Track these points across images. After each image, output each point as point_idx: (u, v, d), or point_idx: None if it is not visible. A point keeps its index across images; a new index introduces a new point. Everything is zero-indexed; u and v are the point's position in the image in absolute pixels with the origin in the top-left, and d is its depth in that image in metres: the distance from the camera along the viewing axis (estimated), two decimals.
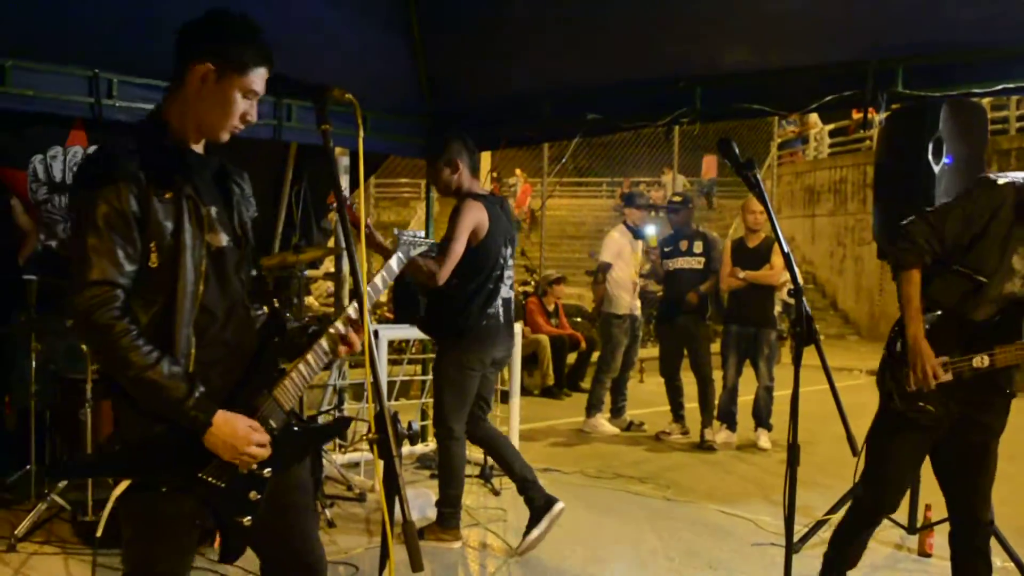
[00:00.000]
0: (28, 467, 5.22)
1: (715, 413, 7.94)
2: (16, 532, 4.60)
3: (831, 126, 20.77)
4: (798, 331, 2.82)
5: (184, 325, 2.26)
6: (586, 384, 10.22)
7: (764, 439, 7.73)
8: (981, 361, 3.38)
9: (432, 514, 5.25)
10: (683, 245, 8.06)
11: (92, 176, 2.21)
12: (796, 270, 2.90)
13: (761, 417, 7.77)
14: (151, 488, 2.25)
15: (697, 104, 5.46)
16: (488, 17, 5.86)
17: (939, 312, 3.51)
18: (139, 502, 2.31)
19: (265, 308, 2.63)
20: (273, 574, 2.64)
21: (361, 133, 2.33)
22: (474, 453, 6.58)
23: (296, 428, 2.45)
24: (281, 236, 7.25)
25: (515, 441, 6.35)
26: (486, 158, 14.05)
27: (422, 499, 5.49)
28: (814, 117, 20.53)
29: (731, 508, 5.78)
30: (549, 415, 9.42)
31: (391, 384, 6.83)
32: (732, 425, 7.91)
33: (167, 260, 2.24)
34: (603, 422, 8.52)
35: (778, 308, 14.18)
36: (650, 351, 11.47)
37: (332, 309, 7.17)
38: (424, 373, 7.24)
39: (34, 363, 5.28)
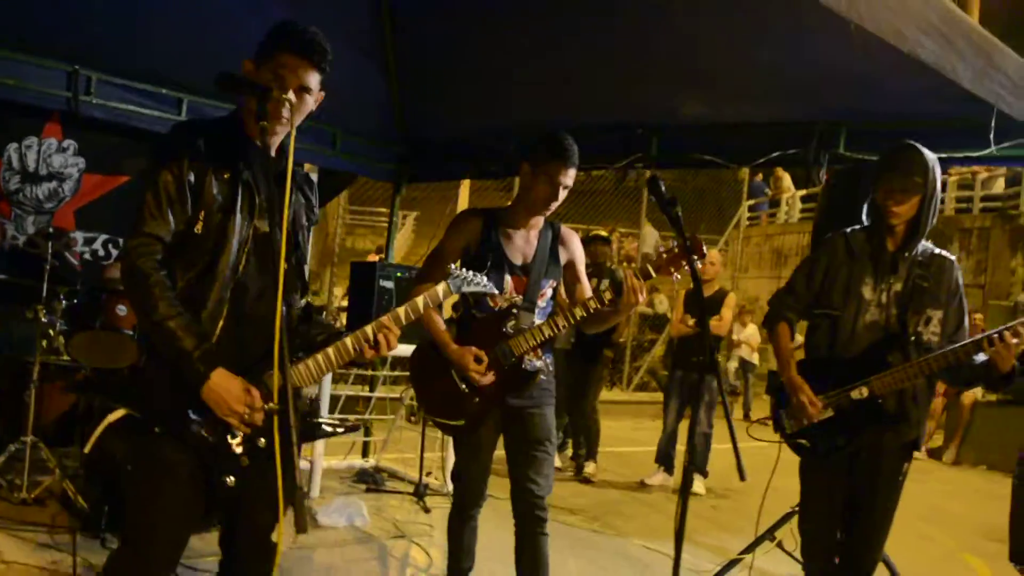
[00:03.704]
0: None
1: (655, 456, 8.10)
2: None
3: (802, 192, 21.15)
4: (700, 360, 3.01)
5: (220, 292, 2.53)
6: None
7: (699, 485, 7.87)
8: (860, 392, 3.59)
9: (360, 523, 5.40)
10: (592, 282, 8.17)
11: (164, 146, 2.56)
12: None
13: (697, 463, 7.93)
14: (148, 427, 2.49)
15: (653, 151, 5.70)
16: (460, 54, 6.05)
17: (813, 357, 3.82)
18: (141, 449, 2.54)
19: (303, 301, 2.86)
20: (232, 546, 2.80)
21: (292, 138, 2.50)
22: (410, 471, 6.75)
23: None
24: None
25: None
26: (464, 191, 14.25)
27: (352, 508, 5.63)
28: (787, 181, 20.94)
29: (653, 544, 5.94)
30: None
31: (335, 399, 6.94)
32: (670, 468, 8.06)
33: (212, 230, 2.52)
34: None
35: (734, 364, 14.42)
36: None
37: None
38: (371, 390, 7.39)
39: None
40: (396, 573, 4.90)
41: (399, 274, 6.41)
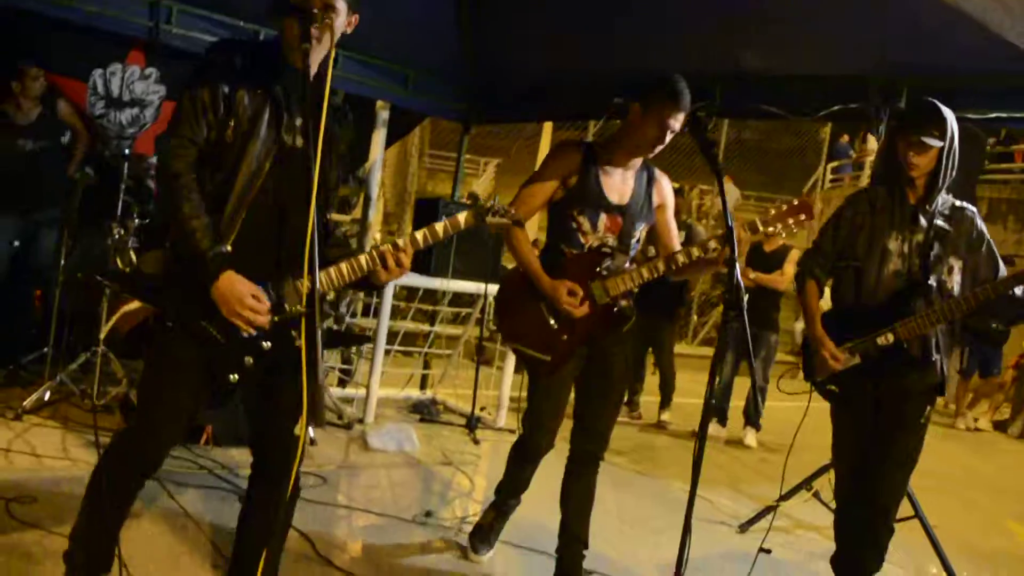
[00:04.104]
0: (45, 350, 5.64)
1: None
2: (24, 404, 5.03)
3: None
4: (727, 297, 3.10)
5: (240, 196, 2.68)
6: None
7: (751, 437, 7.95)
8: (885, 338, 3.69)
9: (409, 449, 5.62)
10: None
11: (205, 61, 2.74)
12: (735, 242, 3.17)
13: (750, 416, 8.00)
14: (163, 320, 2.69)
15: (717, 99, 5.71)
16: None
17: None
18: (156, 341, 2.75)
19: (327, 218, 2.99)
20: (258, 449, 2.99)
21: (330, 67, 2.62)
22: (460, 403, 6.94)
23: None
24: None
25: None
26: (546, 138, 14.29)
27: (403, 434, 5.84)
28: (872, 144, 20.50)
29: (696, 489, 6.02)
30: None
31: (394, 334, 7.11)
32: (723, 420, 8.13)
33: (240, 139, 2.67)
34: None
35: (800, 325, 14.32)
36: None
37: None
38: (432, 325, 7.57)
39: (62, 261, 5.69)
40: (438, 497, 5.08)
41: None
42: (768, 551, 4.68)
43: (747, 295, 7.89)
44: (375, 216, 7.59)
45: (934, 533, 4.99)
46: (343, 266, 2.80)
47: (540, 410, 3.83)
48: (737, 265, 3.10)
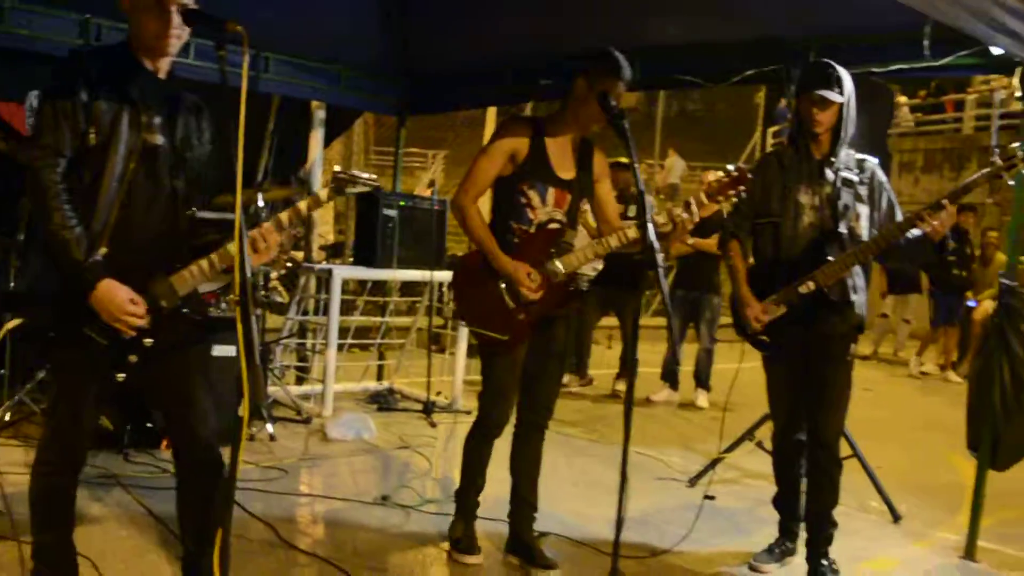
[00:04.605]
0: (2, 371, 5.71)
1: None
2: None
3: None
4: (641, 258, 3.28)
5: (106, 200, 2.79)
6: None
7: (702, 399, 8.20)
8: (807, 287, 3.93)
9: (367, 436, 5.79)
10: (619, 208, 8.40)
11: (61, 67, 2.87)
12: (646, 206, 3.37)
13: (700, 378, 8.25)
14: (42, 333, 2.81)
15: (637, 72, 5.89)
16: None
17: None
18: (50, 353, 2.91)
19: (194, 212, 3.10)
20: (180, 458, 3.15)
21: (246, 67, 2.72)
22: (417, 391, 7.10)
23: (186, 311, 2.94)
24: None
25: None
26: (490, 126, 14.44)
27: (360, 423, 6.00)
28: None
29: (646, 449, 6.25)
30: None
31: (345, 330, 7.26)
32: (675, 384, 8.39)
33: (103, 143, 2.78)
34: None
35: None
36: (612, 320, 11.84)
37: (302, 253, 7.62)
38: (383, 316, 7.72)
39: (11, 283, 5.75)
40: (397, 478, 5.24)
41: (402, 203, 6.68)
42: (712, 498, 4.95)
43: (688, 260, 8.15)
44: (319, 215, 7.71)
45: (872, 469, 5.26)
46: (213, 256, 2.89)
47: (499, 387, 3.93)
48: (650, 226, 3.29)
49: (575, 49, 6.08)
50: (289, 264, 6.69)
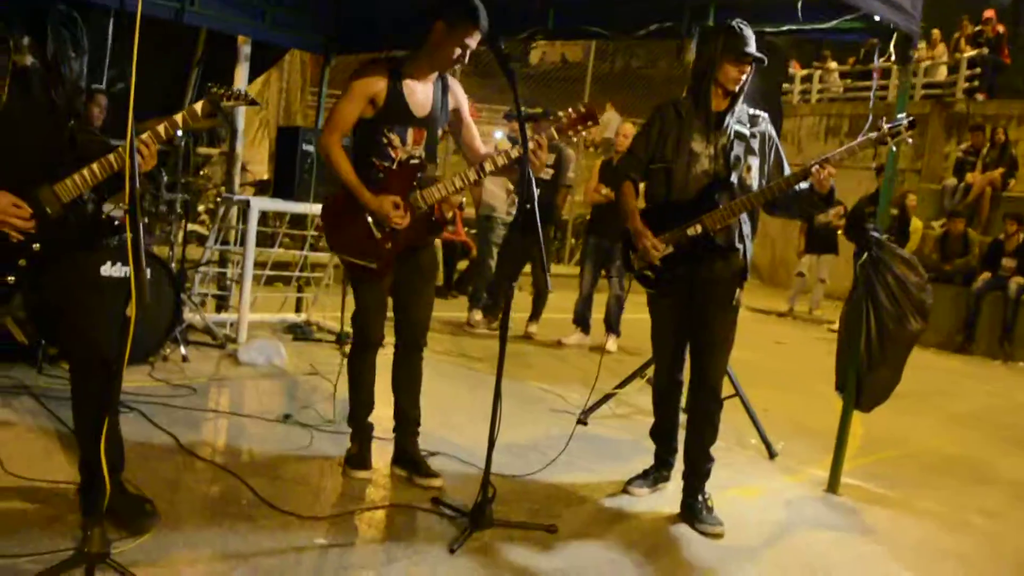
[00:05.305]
0: None
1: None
2: None
3: None
4: (519, 191, 3.55)
5: None
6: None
7: (612, 343, 8.51)
8: (694, 229, 4.18)
9: (278, 362, 6.02)
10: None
11: None
12: (529, 168, 3.67)
13: (610, 323, 8.57)
14: None
15: (550, 24, 6.14)
16: None
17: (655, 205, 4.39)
18: None
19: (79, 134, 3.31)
20: (74, 365, 3.33)
21: None
22: (334, 324, 7.32)
23: (71, 218, 3.14)
24: None
25: None
26: None
27: (271, 348, 6.23)
28: None
29: (549, 386, 6.57)
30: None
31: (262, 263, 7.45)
32: (586, 329, 8.72)
33: None
34: (479, 318, 9.23)
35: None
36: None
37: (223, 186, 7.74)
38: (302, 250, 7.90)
39: None
40: (302, 400, 5.50)
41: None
42: (584, 423, 5.29)
43: (601, 209, 8.39)
44: (242, 148, 7.84)
45: (753, 408, 5.60)
46: (94, 166, 3.08)
47: (368, 306, 4.27)
48: (529, 164, 3.57)
49: None
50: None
